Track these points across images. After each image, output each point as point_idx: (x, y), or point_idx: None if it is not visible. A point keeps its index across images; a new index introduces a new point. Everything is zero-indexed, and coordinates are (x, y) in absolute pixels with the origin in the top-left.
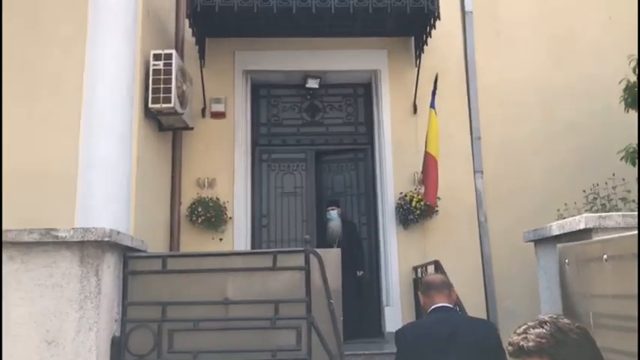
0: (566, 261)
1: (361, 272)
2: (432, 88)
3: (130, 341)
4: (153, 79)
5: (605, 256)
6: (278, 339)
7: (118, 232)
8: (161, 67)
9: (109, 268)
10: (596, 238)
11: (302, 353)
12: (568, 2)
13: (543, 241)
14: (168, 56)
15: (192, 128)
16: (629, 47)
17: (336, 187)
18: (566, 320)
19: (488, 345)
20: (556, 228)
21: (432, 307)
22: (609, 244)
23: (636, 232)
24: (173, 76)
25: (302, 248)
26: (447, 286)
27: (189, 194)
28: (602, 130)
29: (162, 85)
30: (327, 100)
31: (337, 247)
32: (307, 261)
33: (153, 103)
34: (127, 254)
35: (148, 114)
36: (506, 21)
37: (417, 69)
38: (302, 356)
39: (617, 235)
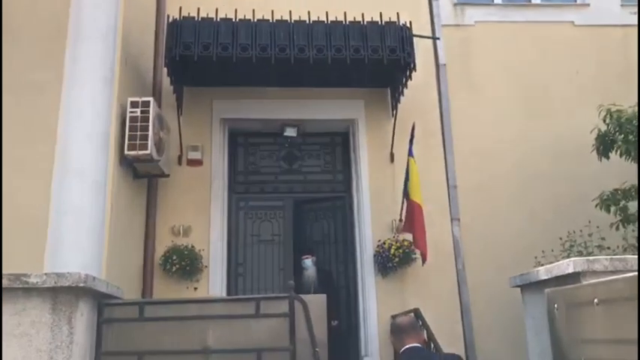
0: (555, 306)
1: (336, 322)
2: (408, 138)
3: None
4: (130, 126)
5: (595, 300)
6: None
7: (94, 278)
8: (138, 114)
9: (83, 316)
10: (584, 282)
11: None
12: (537, 57)
13: (530, 286)
14: (146, 103)
15: (168, 175)
16: (597, 99)
17: (314, 235)
18: None
19: None
20: (543, 272)
21: (404, 348)
22: (600, 287)
23: (628, 275)
24: (150, 123)
25: (286, 294)
26: (415, 328)
27: (163, 242)
28: (575, 179)
29: (139, 132)
30: (305, 148)
31: None
32: (291, 307)
33: (129, 149)
34: (102, 301)
35: (124, 161)
36: (478, 74)
37: (393, 119)
38: None
39: (608, 278)
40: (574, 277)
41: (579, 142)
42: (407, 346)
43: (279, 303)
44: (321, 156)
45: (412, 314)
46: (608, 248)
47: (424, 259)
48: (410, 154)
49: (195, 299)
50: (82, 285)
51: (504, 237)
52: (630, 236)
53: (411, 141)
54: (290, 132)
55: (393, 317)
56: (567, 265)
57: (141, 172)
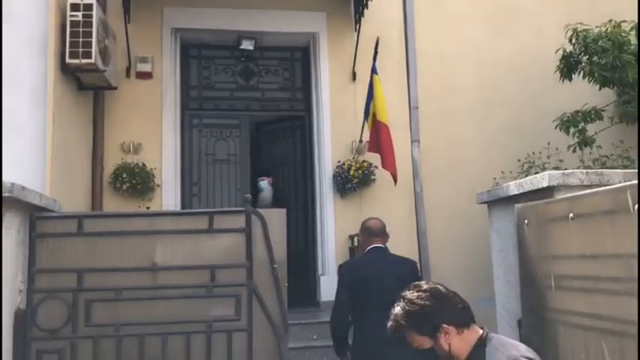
0: (526, 221)
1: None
2: (372, 55)
3: (38, 314)
4: (71, 32)
5: (571, 215)
6: (214, 308)
7: (23, 188)
8: (80, 18)
9: (11, 230)
10: (557, 197)
11: (242, 323)
12: None
13: (498, 202)
14: (88, 7)
15: (115, 88)
16: (564, 19)
17: (272, 155)
18: (417, 290)
19: (412, 274)
20: (514, 187)
21: (370, 246)
22: (577, 201)
23: (612, 187)
24: (94, 29)
25: (242, 208)
26: (383, 232)
27: (112, 159)
28: (536, 101)
29: (81, 39)
30: (262, 63)
31: None
32: (248, 222)
33: (71, 57)
34: (35, 214)
35: (66, 70)
36: None
37: (356, 34)
38: (242, 327)
39: (585, 191)
40: (547, 191)
41: (542, 64)
42: (373, 245)
43: (235, 217)
44: (279, 72)
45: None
46: (566, 169)
47: (395, 180)
48: (374, 71)
49: (142, 212)
50: (7, 195)
51: (463, 159)
52: (587, 158)
53: (374, 57)
54: (246, 45)
55: (351, 237)
56: (541, 179)
57: (85, 84)
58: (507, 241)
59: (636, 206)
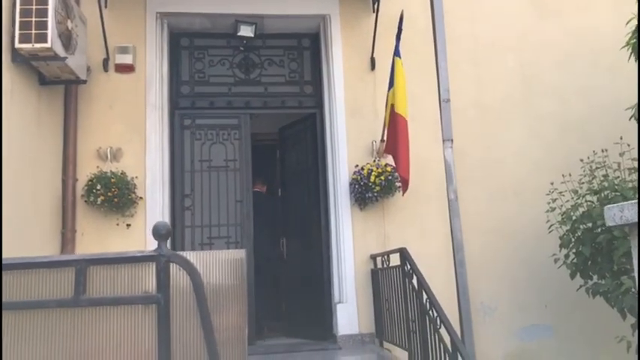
0: None
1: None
2: (394, 36)
3: None
4: (21, 10)
5: None
6: None
7: None
8: None
9: None
10: None
11: None
12: None
13: None
14: None
15: (85, 81)
16: None
17: (282, 160)
18: None
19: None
20: None
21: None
22: None
23: None
24: (50, 6)
25: (151, 251)
26: (261, 182)
27: (87, 168)
28: (590, 91)
29: (34, 19)
30: (265, 53)
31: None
32: (162, 281)
33: (22, 41)
34: None
35: (19, 58)
36: None
37: (375, 15)
38: None
39: None
40: None
41: (599, 48)
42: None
43: (137, 270)
44: (285, 63)
45: (398, 254)
46: None
47: (404, 188)
48: (396, 53)
49: None
50: None
51: (503, 161)
52: None
53: (398, 36)
54: (245, 31)
55: (373, 257)
56: None
57: (49, 77)
58: None
59: None
